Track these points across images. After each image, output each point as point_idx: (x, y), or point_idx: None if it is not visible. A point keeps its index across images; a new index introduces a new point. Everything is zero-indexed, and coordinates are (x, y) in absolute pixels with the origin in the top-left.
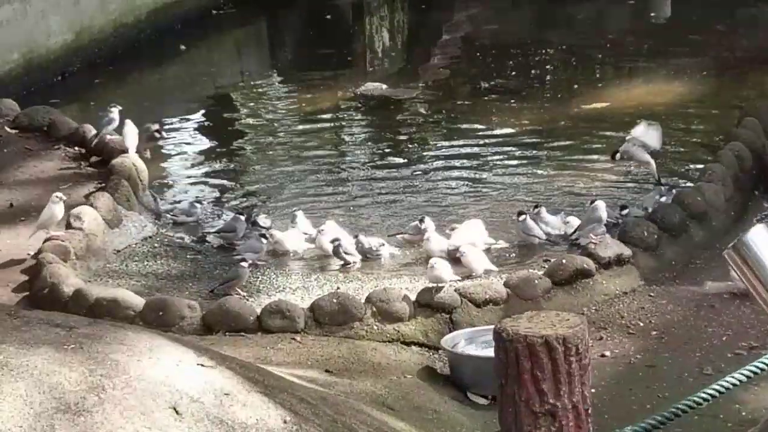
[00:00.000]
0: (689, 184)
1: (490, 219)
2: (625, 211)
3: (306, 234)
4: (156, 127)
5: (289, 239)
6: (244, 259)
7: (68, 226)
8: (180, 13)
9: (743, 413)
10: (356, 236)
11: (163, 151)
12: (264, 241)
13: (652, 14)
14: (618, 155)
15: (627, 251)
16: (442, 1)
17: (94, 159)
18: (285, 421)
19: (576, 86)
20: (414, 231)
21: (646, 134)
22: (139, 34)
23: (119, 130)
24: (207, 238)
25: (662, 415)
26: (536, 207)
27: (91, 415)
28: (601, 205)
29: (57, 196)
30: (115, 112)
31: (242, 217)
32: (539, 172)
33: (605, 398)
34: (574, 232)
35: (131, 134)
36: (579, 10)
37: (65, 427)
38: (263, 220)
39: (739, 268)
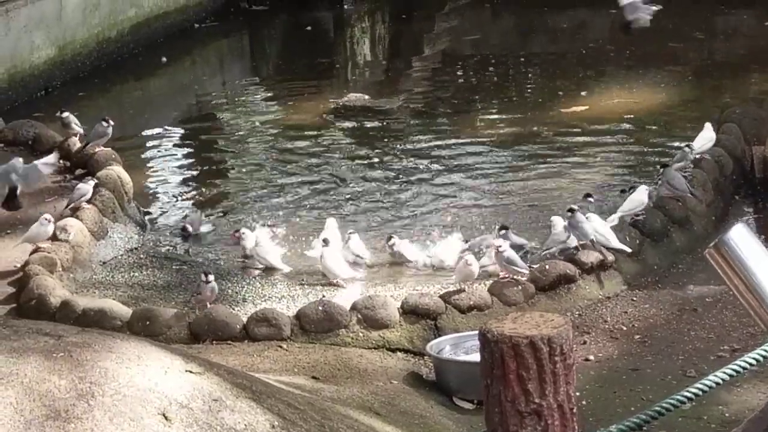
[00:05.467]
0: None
1: (475, 226)
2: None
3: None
4: (105, 124)
5: (269, 252)
6: (206, 273)
7: (54, 238)
8: (162, 27)
9: (726, 414)
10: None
11: (147, 162)
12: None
13: (628, 22)
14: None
15: (610, 256)
16: (423, 13)
17: (79, 171)
18: (273, 426)
19: (557, 93)
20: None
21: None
22: (122, 48)
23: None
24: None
25: (646, 414)
26: (502, 229)
27: (81, 422)
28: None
29: (46, 218)
30: (109, 128)
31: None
32: (522, 176)
33: (590, 401)
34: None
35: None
36: (560, 20)
37: None
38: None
39: (721, 268)
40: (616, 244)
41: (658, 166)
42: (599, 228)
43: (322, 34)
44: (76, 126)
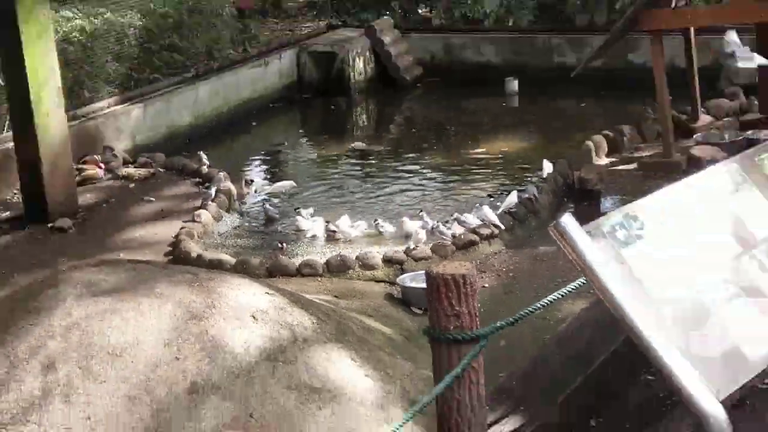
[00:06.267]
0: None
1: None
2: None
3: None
4: (248, 180)
5: (314, 228)
6: (281, 242)
7: (193, 220)
8: (255, 105)
9: (559, 316)
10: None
11: (243, 178)
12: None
13: (504, 104)
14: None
15: (496, 231)
16: (398, 95)
17: (207, 185)
18: (312, 323)
19: (468, 142)
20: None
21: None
22: (231, 117)
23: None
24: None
25: (516, 317)
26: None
27: (207, 321)
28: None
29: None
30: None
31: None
32: (445, 188)
33: (484, 310)
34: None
35: None
36: (468, 104)
37: (194, 326)
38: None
39: (558, 239)
40: (497, 221)
41: (532, 177)
42: (488, 214)
43: (340, 110)
44: (205, 160)
